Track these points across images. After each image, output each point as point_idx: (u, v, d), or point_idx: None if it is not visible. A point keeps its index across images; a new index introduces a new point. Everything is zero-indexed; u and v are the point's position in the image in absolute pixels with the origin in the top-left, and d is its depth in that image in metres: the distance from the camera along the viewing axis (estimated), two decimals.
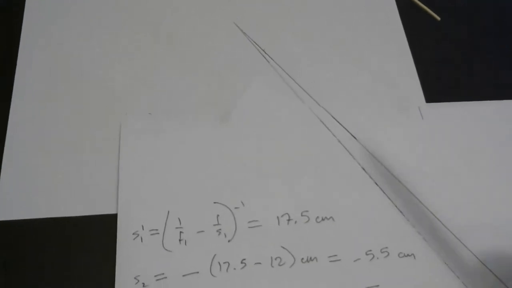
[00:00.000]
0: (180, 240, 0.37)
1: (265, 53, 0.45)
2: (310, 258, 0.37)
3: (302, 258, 0.37)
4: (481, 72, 0.46)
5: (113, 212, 0.38)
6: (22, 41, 0.44)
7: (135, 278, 0.35)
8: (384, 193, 0.39)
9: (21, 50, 0.43)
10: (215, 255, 0.37)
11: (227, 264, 0.36)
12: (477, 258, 0.37)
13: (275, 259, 0.37)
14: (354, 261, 0.37)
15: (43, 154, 0.40)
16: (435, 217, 0.38)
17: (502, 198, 0.40)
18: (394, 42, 0.46)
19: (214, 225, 0.38)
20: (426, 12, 0.48)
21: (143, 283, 0.35)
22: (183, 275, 0.36)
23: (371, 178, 0.40)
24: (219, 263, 0.36)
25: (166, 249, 0.37)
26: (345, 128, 0.41)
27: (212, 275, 0.36)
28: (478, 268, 0.37)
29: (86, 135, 0.40)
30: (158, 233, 0.37)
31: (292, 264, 0.37)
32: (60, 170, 0.39)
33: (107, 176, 0.39)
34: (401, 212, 0.39)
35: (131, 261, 0.36)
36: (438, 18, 0.48)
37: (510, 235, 0.38)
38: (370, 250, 0.37)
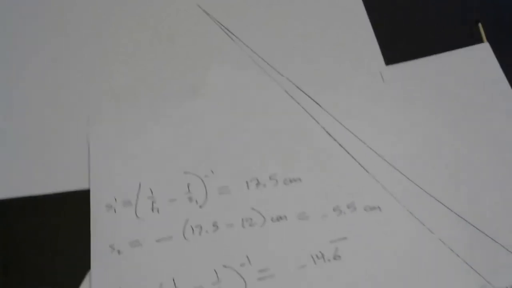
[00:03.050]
0: (152, 209, 0.38)
1: (228, 30, 0.46)
2: (280, 217, 0.38)
3: (272, 218, 0.38)
4: (436, 23, 0.47)
5: (86, 187, 0.39)
6: None
7: (110, 246, 0.36)
8: (348, 153, 0.41)
9: None
10: (187, 220, 0.38)
11: (199, 227, 0.38)
12: (443, 204, 0.38)
13: (246, 220, 0.38)
14: (322, 217, 0.38)
15: (17, 135, 0.41)
16: (397, 170, 0.40)
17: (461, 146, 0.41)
18: (352, 9, 0.48)
19: (185, 193, 0.39)
20: None
21: (118, 251, 0.36)
22: (157, 240, 0.37)
23: (335, 140, 0.41)
24: (191, 227, 0.37)
25: (139, 218, 0.38)
26: (308, 96, 0.43)
27: (185, 238, 0.37)
28: (443, 213, 0.38)
29: (56, 116, 0.42)
30: (130, 204, 0.38)
31: (263, 224, 0.38)
32: (33, 149, 0.40)
33: (78, 152, 0.40)
34: (364, 168, 0.40)
35: (105, 231, 0.37)
36: None
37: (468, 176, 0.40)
38: (338, 206, 0.39)
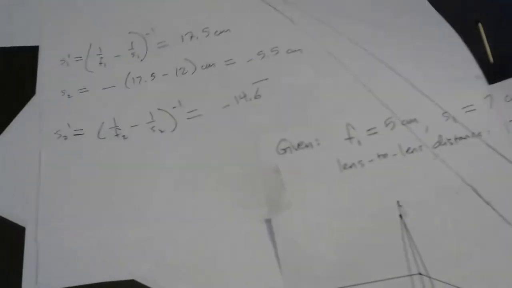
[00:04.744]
0: (100, 63, 0.43)
1: None
2: (209, 64, 0.42)
3: (202, 66, 0.42)
4: None
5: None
6: None
7: (61, 91, 0.42)
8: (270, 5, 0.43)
9: None
10: (129, 72, 0.43)
11: (139, 78, 0.42)
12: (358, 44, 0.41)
13: (179, 69, 0.42)
14: (247, 61, 0.42)
15: None
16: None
17: None
18: None
19: (129, 50, 0.44)
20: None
21: (68, 95, 0.42)
22: (103, 88, 0.42)
23: None
24: (133, 78, 0.42)
25: (88, 71, 0.43)
26: None
27: (127, 87, 0.42)
28: (359, 53, 0.41)
29: None
30: (81, 59, 0.44)
31: (194, 71, 0.42)
32: None
33: (31, 9, 0.45)
34: (289, 18, 0.43)
35: (57, 80, 0.43)
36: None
37: None
38: (262, 51, 0.42)
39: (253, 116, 0.40)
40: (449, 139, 0.37)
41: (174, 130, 0.40)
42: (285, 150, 0.38)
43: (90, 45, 0.44)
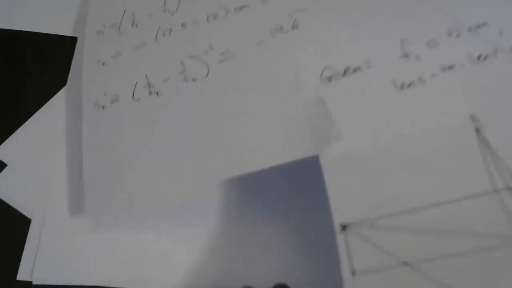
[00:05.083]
0: (132, 25, 0.41)
1: None
2: (242, 6, 0.38)
3: (236, 8, 0.38)
4: None
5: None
6: None
7: (97, 61, 0.40)
8: None
9: None
10: (159, 27, 0.40)
11: (169, 30, 0.39)
12: None
13: (211, 15, 0.39)
14: None
15: None
16: None
17: None
18: None
19: (161, 6, 0.41)
20: None
21: (103, 62, 0.40)
22: (134, 48, 0.40)
23: None
24: (163, 31, 0.40)
25: (121, 34, 0.41)
26: None
27: (157, 41, 0.39)
28: None
29: None
30: (116, 25, 0.42)
31: (226, 15, 0.38)
32: None
33: None
34: None
35: (94, 50, 0.41)
36: None
37: None
38: None
39: (291, 49, 0.35)
40: None
41: (207, 75, 0.36)
42: (329, 78, 0.32)
43: (124, 11, 0.42)
